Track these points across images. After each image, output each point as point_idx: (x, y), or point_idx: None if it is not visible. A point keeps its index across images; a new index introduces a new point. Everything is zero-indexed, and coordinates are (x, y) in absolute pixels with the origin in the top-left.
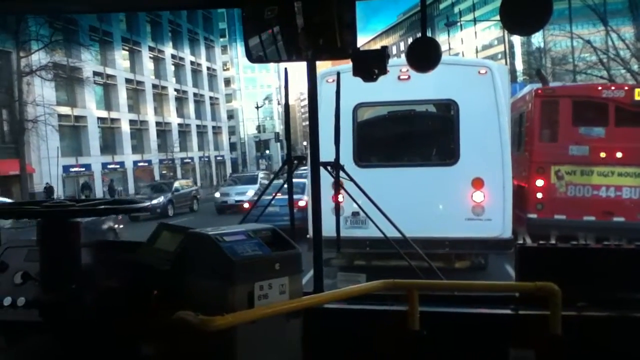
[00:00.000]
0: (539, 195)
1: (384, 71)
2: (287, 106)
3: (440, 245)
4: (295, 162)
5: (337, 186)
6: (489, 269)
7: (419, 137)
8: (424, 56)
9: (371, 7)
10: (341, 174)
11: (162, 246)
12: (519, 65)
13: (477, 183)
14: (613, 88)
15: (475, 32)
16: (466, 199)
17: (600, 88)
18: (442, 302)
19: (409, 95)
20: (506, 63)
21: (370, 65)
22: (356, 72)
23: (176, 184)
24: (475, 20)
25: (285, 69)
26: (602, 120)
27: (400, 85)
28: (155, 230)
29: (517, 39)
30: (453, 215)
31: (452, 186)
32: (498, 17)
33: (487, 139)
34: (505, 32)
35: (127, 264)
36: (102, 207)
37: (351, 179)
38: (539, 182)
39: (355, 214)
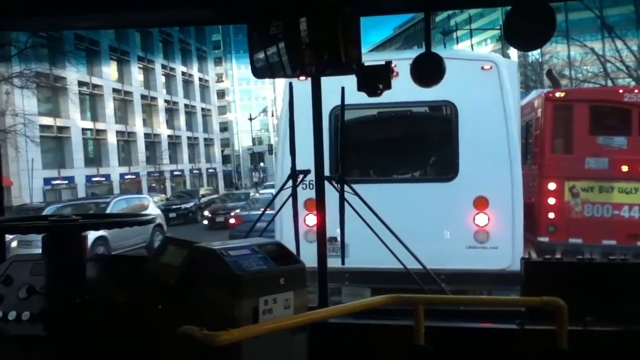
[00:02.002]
0: (551, 215)
1: (388, 86)
2: (291, 120)
3: (416, 278)
4: (301, 175)
5: (342, 202)
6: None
7: (409, 147)
8: (428, 71)
9: (369, 20)
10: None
11: (167, 260)
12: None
13: (481, 203)
14: (637, 91)
15: (472, 45)
16: (467, 223)
17: (621, 91)
18: (448, 317)
19: (398, 96)
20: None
21: (375, 81)
22: (361, 87)
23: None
24: (471, 31)
25: (290, 83)
26: (624, 129)
27: None
28: (161, 244)
29: (513, 52)
30: (451, 243)
31: (450, 207)
32: (494, 30)
33: (492, 149)
34: (503, 44)
35: (132, 278)
36: (107, 221)
37: (356, 194)
38: (551, 200)
39: (332, 239)
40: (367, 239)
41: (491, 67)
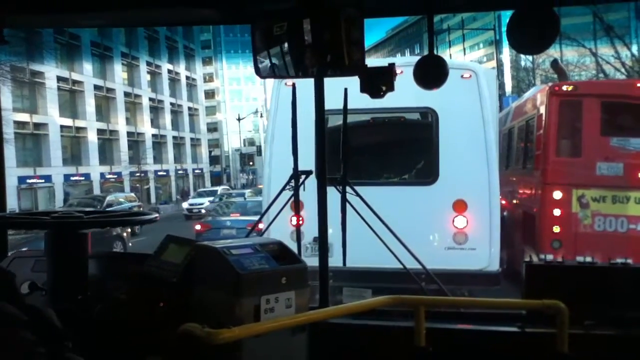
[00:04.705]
0: (556, 229)
1: (391, 88)
2: (294, 120)
3: (415, 279)
4: (303, 176)
5: (344, 202)
6: None
7: (392, 151)
8: (432, 73)
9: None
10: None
11: (169, 258)
12: (508, 83)
13: (460, 206)
14: None
15: (464, 49)
16: (446, 225)
17: (639, 85)
18: (449, 319)
19: (380, 102)
20: (498, 80)
21: (378, 82)
22: (364, 88)
23: None
24: (464, 34)
25: (294, 84)
26: None
27: None
28: (163, 243)
29: (506, 56)
30: (431, 244)
31: (430, 209)
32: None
33: (471, 155)
34: (496, 48)
35: (133, 276)
36: (110, 219)
37: (359, 196)
38: (556, 212)
39: (317, 239)
40: (351, 239)
41: (470, 76)
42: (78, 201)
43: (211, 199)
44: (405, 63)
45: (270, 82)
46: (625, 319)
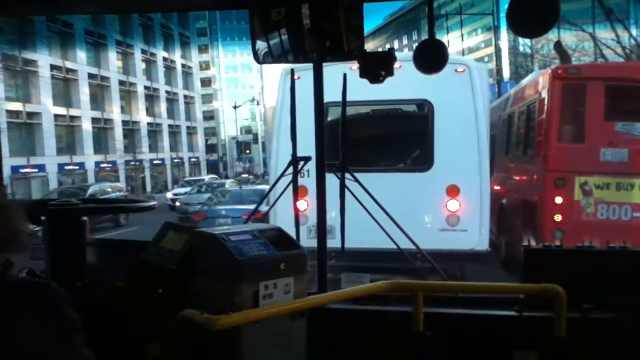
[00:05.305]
0: (557, 217)
1: (390, 73)
2: (293, 107)
3: (411, 258)
4: (302, 162)
5: (343, 189)
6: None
7: (390, 140)
8: (432, 57)
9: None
10: (348, 176)
11: (167, 245)
12: (506, 68)
13: (452, 191)
14: None
15: (462, 35)
16: (440, 208)
17: None
18: (447, 304)
19: (379, 95)
20: (496, 66)
21: (378, 67)
22: (363, 73)
23: None
24: (461, 20)
25: (292, 70)
26: None
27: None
28: (161, 230)
29: (504, 42)
30: (426, 226)
31: (426, 194)
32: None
33: (463, 144)
34: (494, 33)
35: (132, 263)
36: (107, 206)
37: (357, 181)
38: (558, 200)
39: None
40: (351, 222)
41: (464, 70)
42: (62, 190)
43: (189, 189)
44: (403, 58)
45: (267, 70)
46: (623, 303)
